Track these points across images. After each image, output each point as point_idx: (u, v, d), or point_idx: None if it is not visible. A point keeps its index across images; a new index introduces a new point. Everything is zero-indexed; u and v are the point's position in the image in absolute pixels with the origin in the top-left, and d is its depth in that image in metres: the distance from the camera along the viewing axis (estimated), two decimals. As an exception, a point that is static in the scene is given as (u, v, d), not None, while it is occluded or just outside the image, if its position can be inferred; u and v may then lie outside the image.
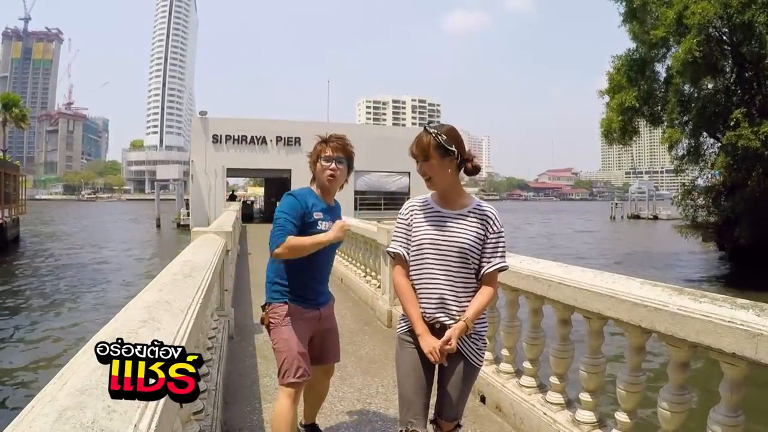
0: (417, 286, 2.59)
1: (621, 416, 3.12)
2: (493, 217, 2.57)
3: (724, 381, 2.49)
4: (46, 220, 59.56)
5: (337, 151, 3.17)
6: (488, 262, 2.54)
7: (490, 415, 4.24)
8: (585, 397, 3.45)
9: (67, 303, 17.18)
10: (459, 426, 2.68)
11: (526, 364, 4.11)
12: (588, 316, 3.35)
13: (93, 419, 1.20)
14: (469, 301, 2.54)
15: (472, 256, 2.52)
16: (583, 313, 3.38)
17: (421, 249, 2.57)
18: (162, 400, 1.42)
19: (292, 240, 2.96)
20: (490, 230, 2.55)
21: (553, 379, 3.80)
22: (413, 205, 2.68)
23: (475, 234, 2.53)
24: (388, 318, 7.12)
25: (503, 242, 2.58)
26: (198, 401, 3.14)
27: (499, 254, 2.56)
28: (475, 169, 2.59)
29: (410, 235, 2.63)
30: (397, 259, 2.67)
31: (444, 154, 2.48)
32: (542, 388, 4.02)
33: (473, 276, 2.55)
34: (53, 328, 14.03)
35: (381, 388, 4.79)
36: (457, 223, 2.54)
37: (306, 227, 3.08)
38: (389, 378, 4.93)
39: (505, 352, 4.41)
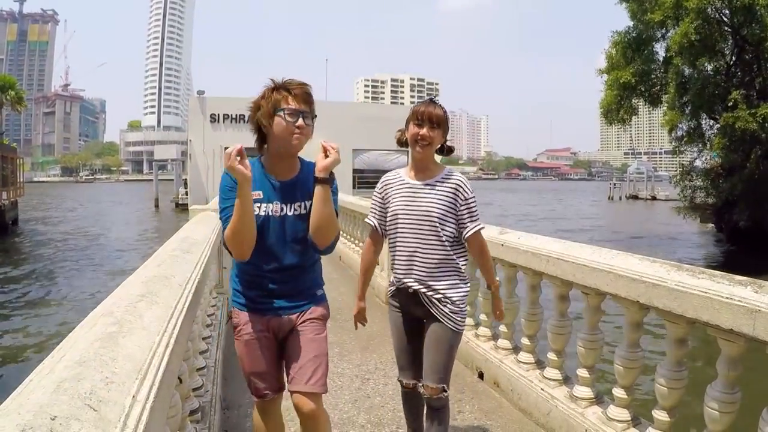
0: (391, 254, 2.84)
1: (619, 392, 3.14)
2: (462, 185, 2.72)
3: (721, 357, 2.50)
4: (44, 204, 59.45)
5: (303, 102, 2.35)
6: (465, 228, 2.72)
7: (488, 391, 4.26)
8: (582, 373, 3.47)
9: (66, 281, 17.26)
10: (444, 391, 2.76)
11: (524, 340, 4.13)
12: (586, 292, 3.36)
13: (91, 390, 1.19)
14: (440, 269, 2.71)
15: (441, 223, 2.68)
16: (581, 289, 3.39)
17: (394, 220, 2.78)
18: (160, 372, 1.43)
19: (226, 234, 2.28)
20: (461, 197, 2.71)
21: (551, 355, 3.82)
22: (387, 180, 2.89)
23: (443, 202, 2.69)
24: (386, 294, 7.12)
25: (475, 206, 2.75)
26: (197, 377, 3.16)
27: (473, 218, 2.73)
28: (450, 150, 2.85)
29: (385, 208, 2.86)
30: (372, 230, 2.95)
31: (447, 129, 2.74)
32: (540, 364, 4.04)
33: (444, 243, 2.70)
34: (51, 305, 14.12)
35: (380, 364, 4.82)
36: (427, 193, 2.71)
37: None
38: (387, 354, 4.95)
39: (503, 328, 4.42)
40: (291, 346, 2.47)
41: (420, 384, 2.84)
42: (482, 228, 2.77)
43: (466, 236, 2.71)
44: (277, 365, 2.54)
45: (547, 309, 4.02)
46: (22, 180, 37.93)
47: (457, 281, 2.75)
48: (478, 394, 4.17)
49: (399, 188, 2.79)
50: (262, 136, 2.44)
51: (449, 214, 2.69)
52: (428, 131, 2.64)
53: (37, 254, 23.48)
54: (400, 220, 2.75)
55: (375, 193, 2.92)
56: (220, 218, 2.34)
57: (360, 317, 3.03)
